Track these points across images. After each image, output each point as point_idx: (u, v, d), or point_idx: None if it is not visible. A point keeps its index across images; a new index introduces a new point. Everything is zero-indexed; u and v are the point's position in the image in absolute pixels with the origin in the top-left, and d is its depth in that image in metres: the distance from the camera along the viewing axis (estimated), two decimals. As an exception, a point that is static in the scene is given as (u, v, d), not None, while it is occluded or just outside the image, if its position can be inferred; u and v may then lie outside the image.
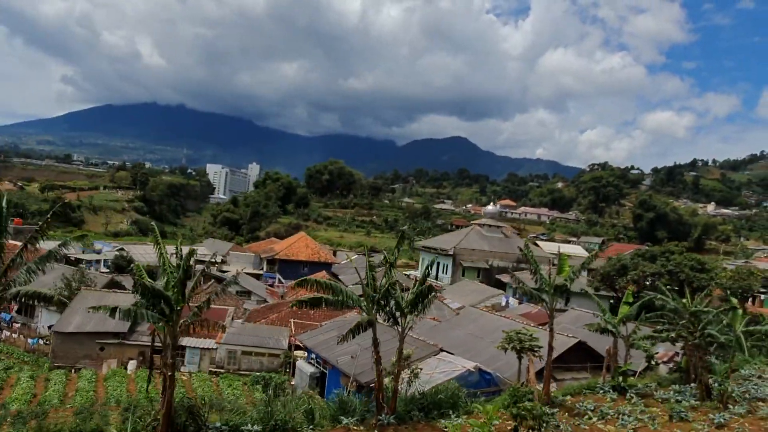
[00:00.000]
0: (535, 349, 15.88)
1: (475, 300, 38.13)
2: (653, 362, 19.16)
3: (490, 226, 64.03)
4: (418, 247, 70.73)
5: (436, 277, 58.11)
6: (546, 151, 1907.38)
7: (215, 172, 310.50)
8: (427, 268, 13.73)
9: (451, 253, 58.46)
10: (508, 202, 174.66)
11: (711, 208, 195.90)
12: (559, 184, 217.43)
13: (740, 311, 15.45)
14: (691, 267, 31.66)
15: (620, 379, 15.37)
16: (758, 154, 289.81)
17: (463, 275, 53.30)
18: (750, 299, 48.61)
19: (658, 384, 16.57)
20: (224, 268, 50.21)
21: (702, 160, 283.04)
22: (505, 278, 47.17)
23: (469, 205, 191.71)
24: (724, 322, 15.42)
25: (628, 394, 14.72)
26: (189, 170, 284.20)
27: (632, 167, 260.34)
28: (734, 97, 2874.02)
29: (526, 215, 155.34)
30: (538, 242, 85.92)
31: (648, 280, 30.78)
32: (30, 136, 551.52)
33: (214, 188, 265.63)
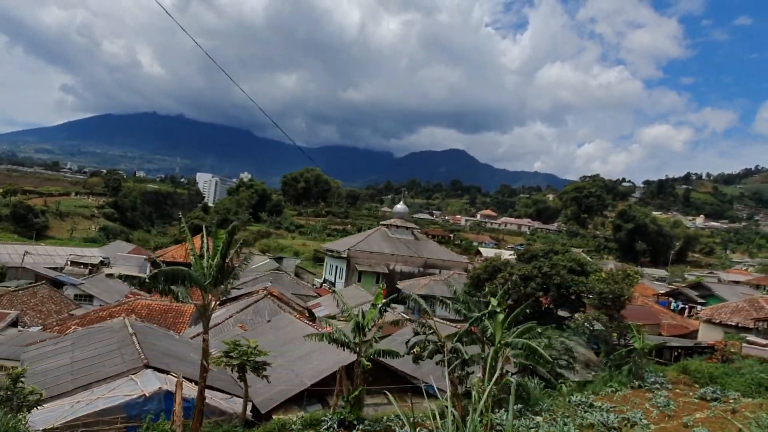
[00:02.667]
0: (262, 367, 12.85)
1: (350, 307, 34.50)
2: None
3: (397, 227, 59.08)
4: (323, 249, 66.79)
5: (334, 283, 53.58)
6: (544, 164, 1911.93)
7: (205, 181, 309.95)
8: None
9: (344, 255, 52.36)
10: (488, 212, 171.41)
11: (700, 221, 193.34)
12: (550, 197, 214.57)
13: (501, 318, 12.65)
14: (570, 269, 28.68)
15: (348, 410, 12.21)
16: (752, 169, 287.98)
17: (359, 281, 48.18)
18: (687, 309, 45.37)
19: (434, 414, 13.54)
20: (106, 270, 47.56)
21: (696, 174, 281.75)
22: (401, 285, 43.68)
23: (458, 216, 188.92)
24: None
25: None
26: (181, 179, 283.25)
27: (623, 179, 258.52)
28: (731, 112, 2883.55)
29: (506, 226, 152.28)
30: (482, 249, 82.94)
31: (517, 284, 27.87)
32: (29, 145, 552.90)
33: (204, 197, 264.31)
